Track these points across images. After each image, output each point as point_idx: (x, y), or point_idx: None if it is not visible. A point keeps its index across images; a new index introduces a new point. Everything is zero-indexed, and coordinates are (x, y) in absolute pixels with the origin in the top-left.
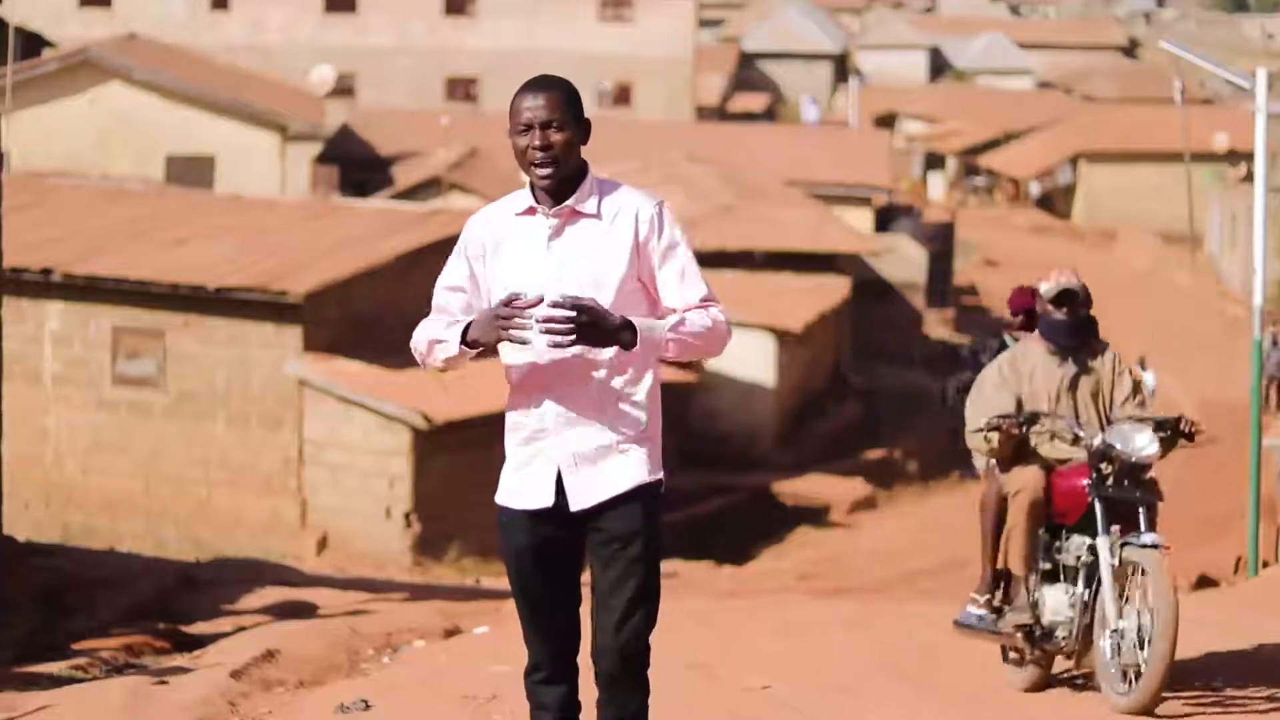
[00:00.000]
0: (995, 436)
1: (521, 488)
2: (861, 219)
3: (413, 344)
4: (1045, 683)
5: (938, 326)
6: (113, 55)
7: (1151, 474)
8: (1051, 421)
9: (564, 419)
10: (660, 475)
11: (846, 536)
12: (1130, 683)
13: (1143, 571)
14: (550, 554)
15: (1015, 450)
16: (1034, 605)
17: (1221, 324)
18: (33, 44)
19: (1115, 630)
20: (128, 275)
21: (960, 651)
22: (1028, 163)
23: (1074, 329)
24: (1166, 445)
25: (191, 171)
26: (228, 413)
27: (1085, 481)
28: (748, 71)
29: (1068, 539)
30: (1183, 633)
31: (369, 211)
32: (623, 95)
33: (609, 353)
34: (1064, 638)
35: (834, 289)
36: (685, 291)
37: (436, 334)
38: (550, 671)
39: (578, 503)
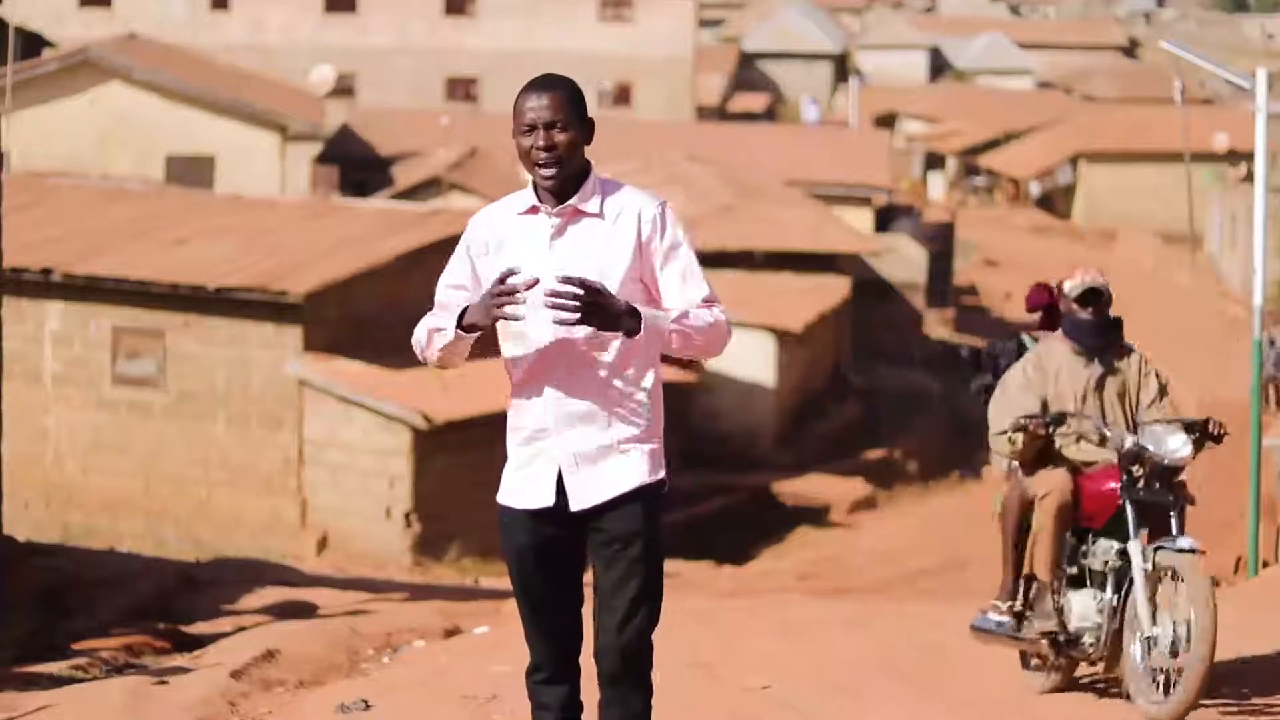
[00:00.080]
0: (1020, 438)
1: (522, 487)
2: (861, 219)
3: (414, 338)
4: (1066, 688)
5: (938, 326)
6: (113, 55)
7: (1183, 477)
8: (1078, 422)
9: (565, 418)
10: (662, 475)
11: (846, 536)
12: (1164, 690)
13: (1178, 576)
14: (551, 554)
15: (1039, 452)
16: (1059, 611)
17: (1221, 324)
18: (33, 44)
19: (1149, 637)
20: (128, 275)
21: (960, 652)
22: (1028, 163)
23: (1100, 329)
24: (1195, 447)
25: (191, 171)
26: (228, 413)
27: (1112, 484)
28: (748, 71)
29: (1094, 543)
30: None
31: (369, 211)
32: (623, 95)
33: (611, 351)
34: (1091, 644)
35: (834, 289)
36: (687, 292)
37: (435, 324)
38: (552, 672)
39: (578, 503)
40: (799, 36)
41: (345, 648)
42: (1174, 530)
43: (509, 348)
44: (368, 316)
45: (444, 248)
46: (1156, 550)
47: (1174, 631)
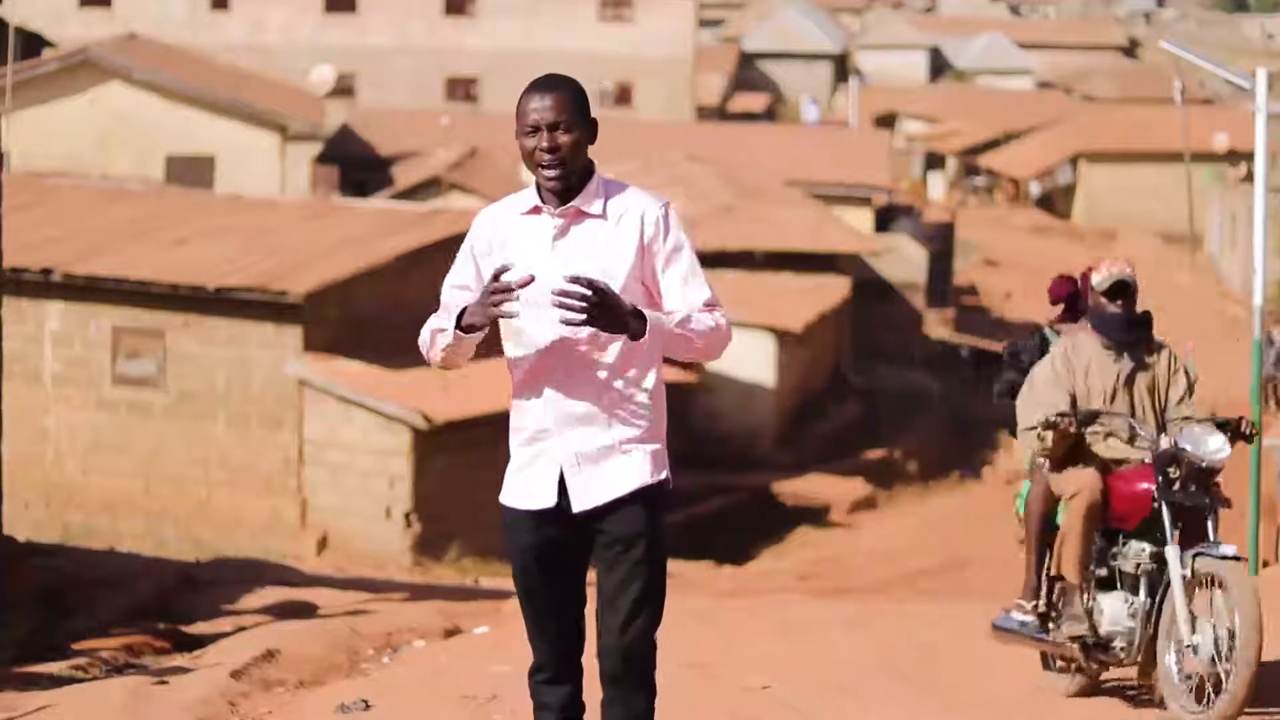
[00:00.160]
0: (1050, 436)
1: (524, 488)
2: (861, 219)
3: (420, 339)
4: (1091, 692)
5: (938, 326)
6: (113, 55)
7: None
8: (1110, 420)
9: (566, 419)
10: (664, 475)
11: (846, 536)
12: (1204, 700)
13: (1219, 583)
14: (554, 554)
15: (1068, 449)
16: (1089, 614)
17: (1221, 324)
18: (33, 44)
19: (1189, 645)
20: (128, 275)
21: (960, 652)
22: (1028, 163)
23: (1129, 323)
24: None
25: (191, 171)
26: (228, 413)
27: (1144, 485)
28: (748, 71)
29: (1124, 544)
30: None
31: (369, 211)
32: (623, 95)
33: (612, 351)
34: (1122, 648)
35: (834, 289)
36: (689, 295)
37: (438, 324)
38: (554, 672)
39: (580, 504)
40: (799, 36)
41: (345, 648)
42: (1210, 534)
43: (510, 348)
44: (368, 316)
45: (444, 248)
46: (1196, 556)
47: (1215, 639)
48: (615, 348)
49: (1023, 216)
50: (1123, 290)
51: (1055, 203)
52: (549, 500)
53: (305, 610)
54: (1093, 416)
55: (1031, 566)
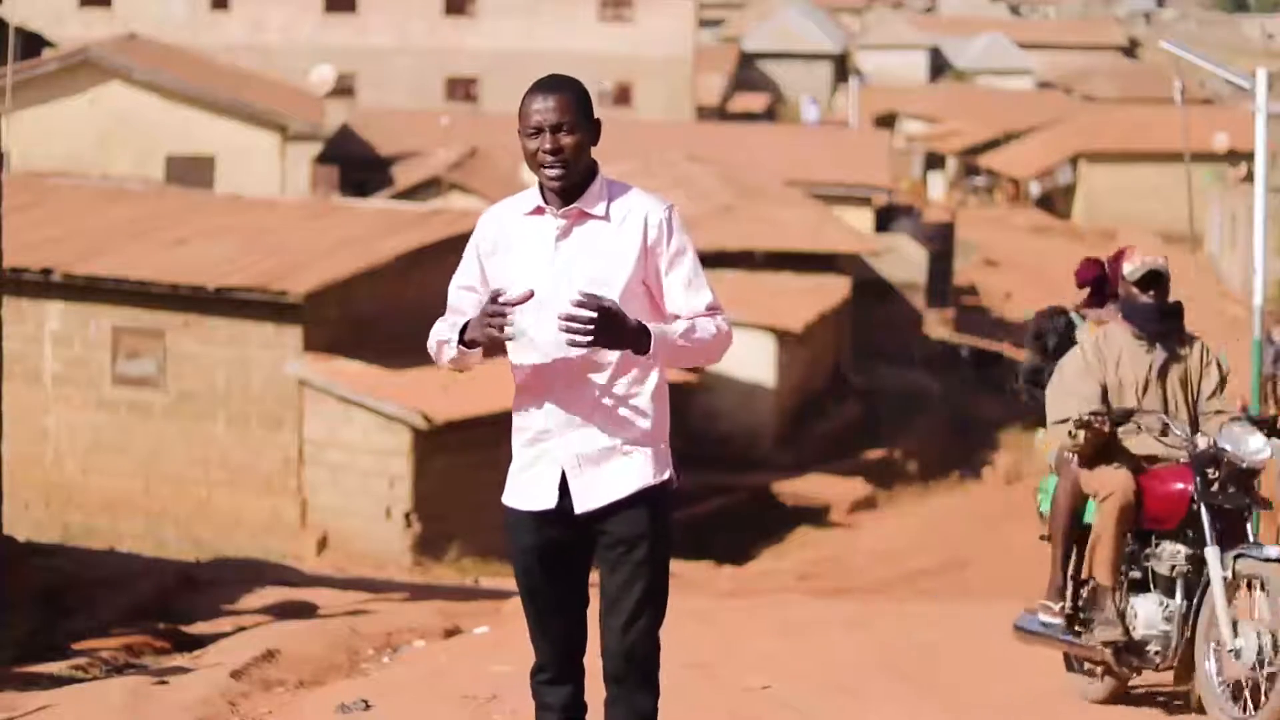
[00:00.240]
0: (1082, 434)
1: (526, 489)
2: (861, 219)
3: (428, 344)
4: (1120, 696)
5: (938, 326)
6: (113, 55)
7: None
8: (1144, 418)
9: (568, 420)
10: (667, 476)
11: (846, 536)
12: (1245, 706)
13: (1262, 586)
14: (556, 555)
15: (1098, 444)
16: (1121, 617)
17: (1221, 324)
18: (33, 44)
19: (1231, 650)
20: (128, 275)
21: (961, 652)
22: (1028, 163)
23: (1162, 313)
24: None
25: (191, 171)
26: (228, 413)
27: (1180, 485)
28: (748, 71)
29: (1157, 545)
30: None
31: (369, 211)
32: (623, 95)
33: (615, 353)
34: (1157, 653)
35: (834, 289)
36: (691, 298)
37: (443, 335)
38: (555, 672)
39: (582, 505)
40: (799, 36)
41: (345, 648)
42: (1250, 536)
43: (513, 349)
44: (368, 316)
45: (444, 248)
46: (1237, 558)
47: (1259, 643)
48: (617, 349)
49: (1023, 216)
50: (1155, 280)
51: (1055, 203)
52: (550, 501)
53: (305, 610)
54: (1127, 415)
55: (1057, 566)
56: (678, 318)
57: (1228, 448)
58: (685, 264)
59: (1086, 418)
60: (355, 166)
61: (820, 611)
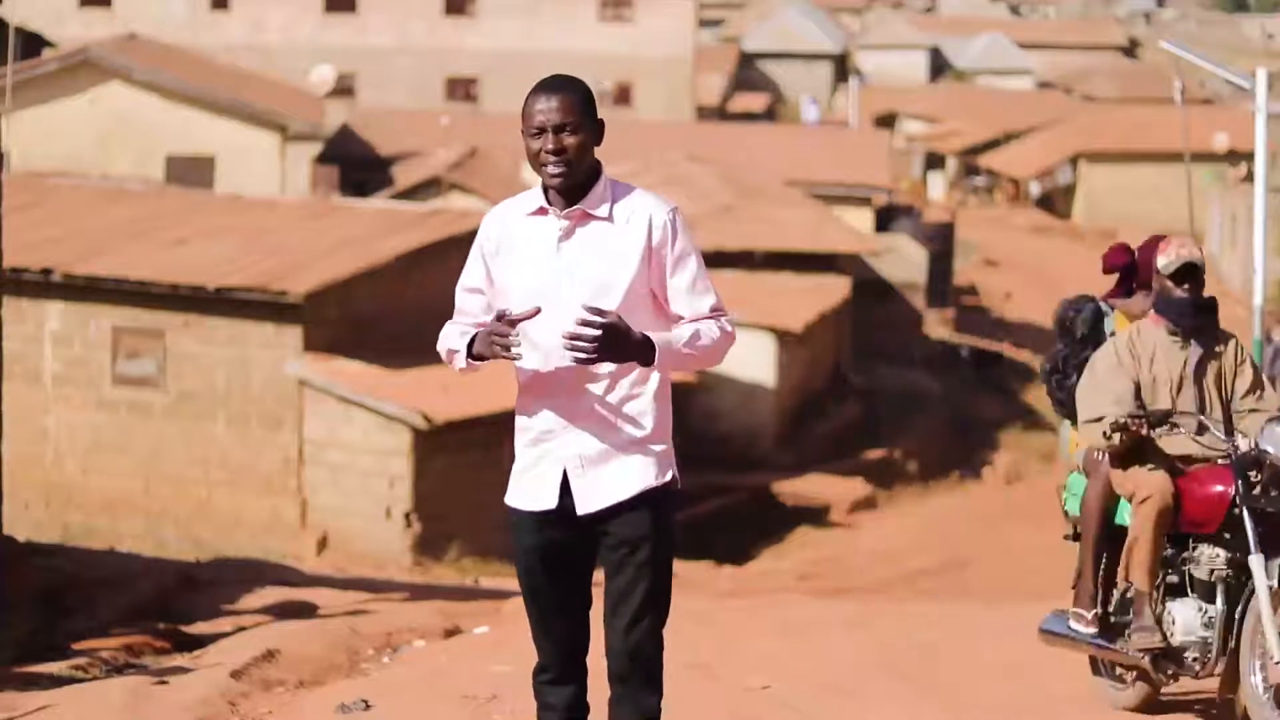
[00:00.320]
0: (1118, 436)
1: (528, 489)
2: (861, 219)
3: (438, 347)
4: (1152, 704)
5: (938, 326)
6: (113, 55)
7: None
8: (1183, 420)
9: (570, 421)
10: (670, 478)
11: (846, 536)
12: None
13: None
14: (558, 555)
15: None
16: (1158, 622)
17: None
18: (33, 44)
19: (1278, 661)
20: (128, 275)
21: (961, 653)
22: (1028, 163)
23: (1198, 307)
24: None
25: (191, 171)
26: (228, 413)
27: (1220, 488)
28: (748, 71)
29: (1195, 549)
30: None
31: (369, 211)
32: (623, 95)
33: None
34: (1195, 659)
35: (834, 289)
36: (695, 301)
37: (452, 343)
38: (558, 672)
39: (584, 506)
40: (799, 36)
41: (345, 648)
42: None
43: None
44: (368, 316)
45: (444, 248)
46: None
47: None
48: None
49: (1023, 216)
50: (1191, 273)
51: (1055, 203)
52: (551, 502)
53: (305, 610)
54: (1165, 417)
55: (1089, 570)
56: (681, 319)
57: (1270, 450)
58: (689, 267)
59: (1124, 420)
60: (355, 166)
61: (820, 611)
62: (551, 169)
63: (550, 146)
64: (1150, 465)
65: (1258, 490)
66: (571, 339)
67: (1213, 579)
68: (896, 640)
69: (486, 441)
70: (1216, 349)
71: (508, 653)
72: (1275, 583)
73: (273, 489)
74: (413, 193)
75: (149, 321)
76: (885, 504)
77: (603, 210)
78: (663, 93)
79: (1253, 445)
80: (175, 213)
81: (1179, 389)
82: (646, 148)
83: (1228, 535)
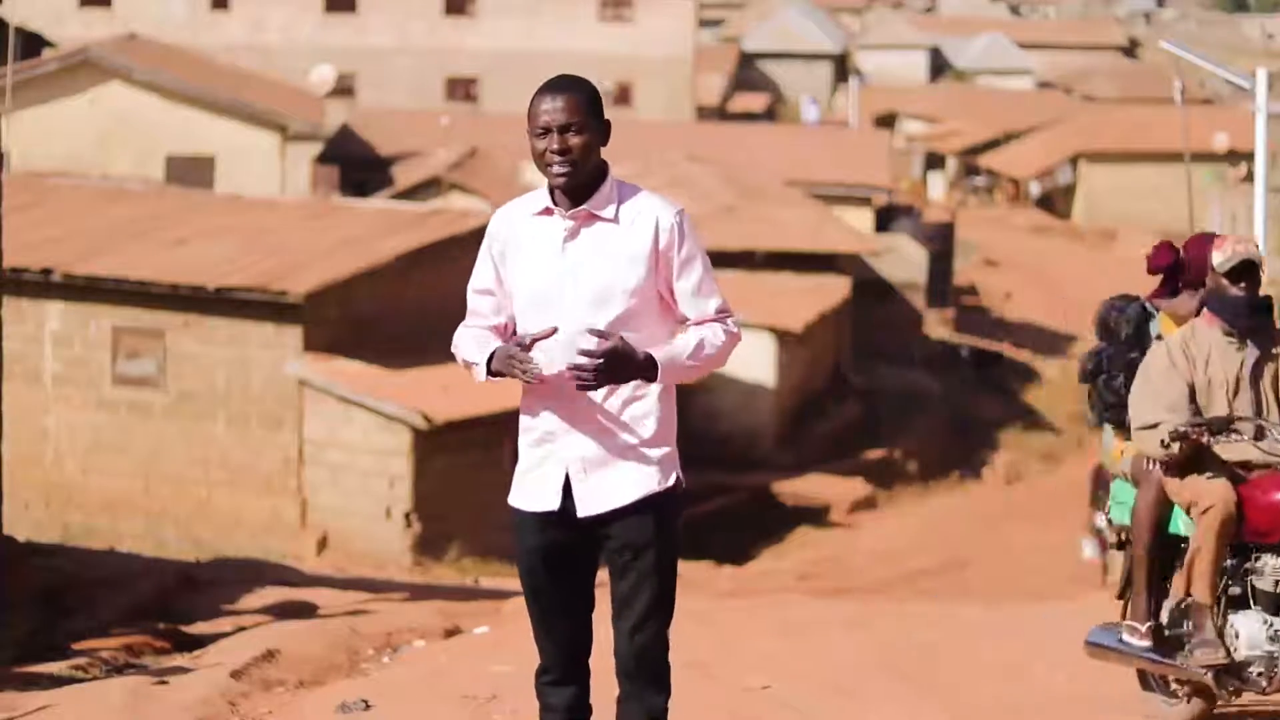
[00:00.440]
0: (1177, 445)
1: (531, 489)
2: (861, 219)
3: (454, 350)
4: (1206, 719)
5: (938, 326)
6: (113, 55)
7: None
8: (1242, 425)
9: (573, 423)
10: (674, 481)
11: (846, 536)
12: None
13: None
14: (560, 557)
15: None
16: (1220, 636)
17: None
18: (33, 44)
19: None
20: (128, 275)
21: (961, 653)
22: (1028, 163)
23: (1254, 307)
24: None
25: (191, 171)
26: (228, 413)
27: None
28: (748, 71)
29: (1258, 559)
30: None
31: (369, 211)
32: (623, 95)
33: None
34: (1260, 674)
35: (834, 289)
36: (700, 304)
37: (469, 355)
38: (559, 674)
39: (586, 509)
40: (799, 36)
41: (345, 648)
42: None
43: None
44: (368, 316)
45: (444, 248)
46: None
47: None
48: None
49: (1023, 216)
50: (1248, 271)
51: (1055, 203)
52: (553, 503)
53: (305, 610)
54: (1226, 424)
55: (1142, 582)
56: (686, 320)
57: None
58: (695, 270)
59: (1184, 429)
60: (355, 166)
61: (820, 611)
62: (556, 169)
63: (555, 146)
64: (1209, 473)
65: None
66: (573, 369)
67: (1278, 590)
68: (896, 640)
69: (486, 441)
70: (1274, 349)
71: (508, 653)
72: None
73: (273, 489)
74: (413, 193)
75: (149, 321)
76: (885, 504)
77: (608, 211)
78: (663, 93)
79: None
80: (175, 213)
81: (1236, 392)
82: (646, 148)
83: None
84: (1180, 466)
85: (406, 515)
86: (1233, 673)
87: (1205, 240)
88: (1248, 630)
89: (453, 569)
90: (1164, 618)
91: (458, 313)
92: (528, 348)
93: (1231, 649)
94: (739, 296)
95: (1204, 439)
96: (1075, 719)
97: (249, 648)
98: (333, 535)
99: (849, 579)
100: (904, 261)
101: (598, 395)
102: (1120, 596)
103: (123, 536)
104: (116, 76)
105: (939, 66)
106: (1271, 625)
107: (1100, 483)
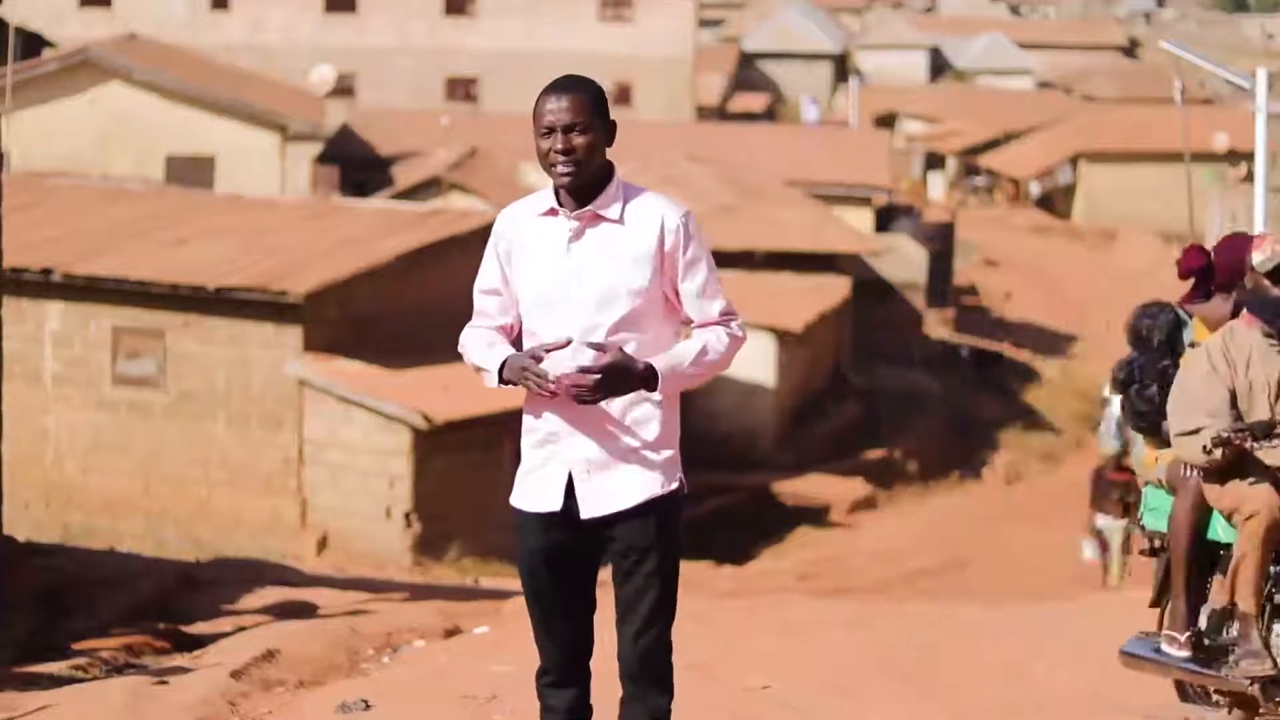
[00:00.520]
0: (1220, 451)
1: (534, 490)
2: (861, 219)
3: (460, 350)
4: None
5: (938, 326)
6: (113, 55)
7: None
8: None
9: (577, 424)
10: (676, 484)
11: (846, 536)
12: None
13: None
14: (562, 558)
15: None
16: (1266, 645)
17: None
18: (33, 44)
19: None
20: (128, 275)
21: (961, 653)
22: (1028, 163)
23: None
24: None
25: (191, 171)
26: (228, 413)
27: None
28: (748, 71)
29: None
30: None
31: (369, 211)
32: (623, 95)
33: None
34: None
35: (834, 289)
36: (705, 306)
37: (479, 359)
38: (560, 675)
39: (588, 511)
40: (799, 36)
41: (345, 648)
42: None
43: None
44: (368, 316)
45: (444, 248)
46: None
47: None
48: (628, 351)
49: (1023, 216)
50: None
51: (1055, 203)
52: (556, 504)
53: (305, 610)
54: (1270, 429)
55: (1181, 589)
56: (690, 321)
57: None
58: (700, 272)
59: (1226, 435)
60: (355, 166)
61: (820, 611)
62: (561, 169)
63: (559, 146)
64: (1251, 479)
65: None
66: (573, 385)
67: None
68: (896, 640)
69: (486, 441)
70: None
71: (508, 653)
72: None
73: (273, 489)
74: (413, 193)
75: (149, 321)
76: (885, 504)
77: (613, 212)
78: (663, 93)
79: None
80: (175, 213)
81: (1277, 395)
82: (646, 148)
83: None
84: (1221, 472)
85: (406, 515)
86: (1278, 684)
87: (1238, 241)
88: None
89: (453, 569)
90: (1202, 625)
91: (458, 312)
92: (540, 359)
93: (1278, 659)
94: (739, 296)
95: (1247, 444)
96: (1075, 719)
97: (249, 648)
98: (333, 535)
99: (849, 579)
100: (904, 261)
101: None
102: (1155, 604)
103: (123, 536)
104: (116, 76)
105: (939, 66)
106: None
107: (1100, 484)
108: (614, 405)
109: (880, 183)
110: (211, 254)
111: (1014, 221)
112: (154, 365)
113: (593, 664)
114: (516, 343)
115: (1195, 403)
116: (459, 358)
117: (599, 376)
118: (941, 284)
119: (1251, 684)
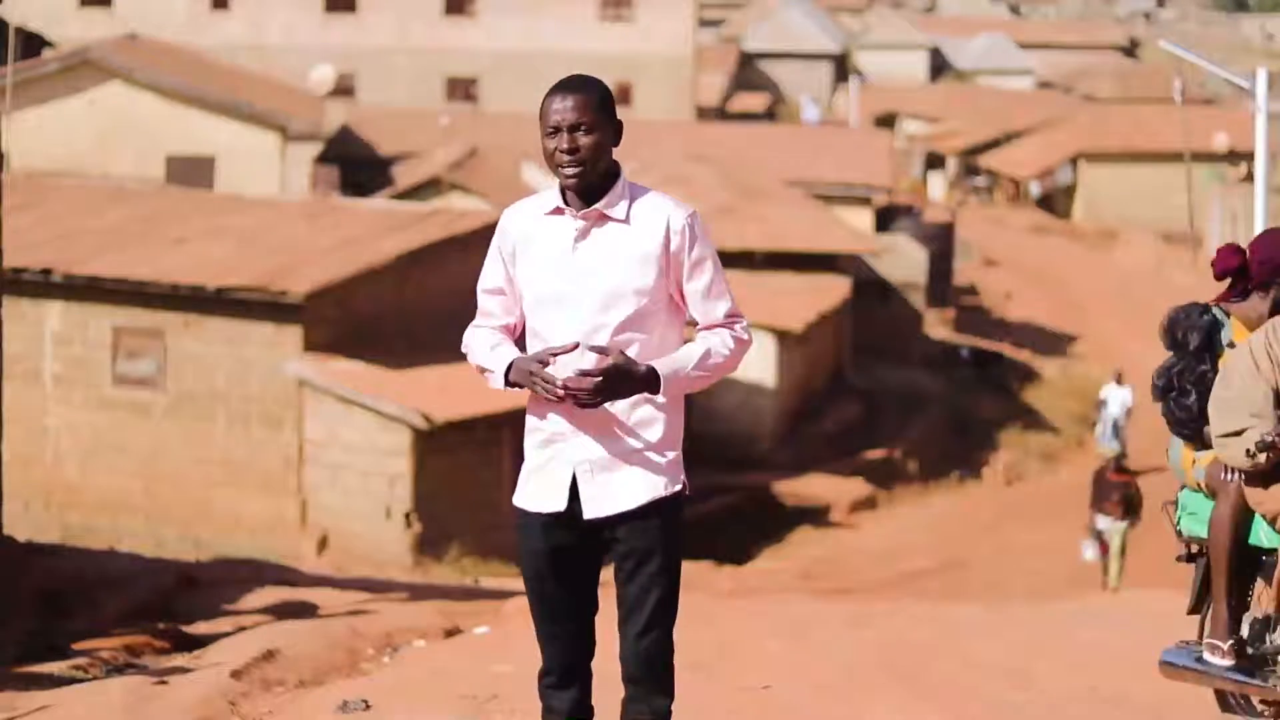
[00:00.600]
0: (1264, 456)
1: (536, 491)
2: (861, 219)
3: (464, 350)
4: None
5: (938, 326)
6: (113, 55)
7: None
8: None
9: (581, 424)
10: (679, 486)
11: (846, 536)
12: None
13: None
14: (565, 559)
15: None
16: None
17: None
18: (33, 44)
19: None
20: (128, 275)
21: (960, 653)
22: (1028, 163)
23: None
24: None
25: (191, 171)
26: (228, 413)
27: None
28: (748, 71)
29: None
30: None
31: (369, 211)
32: (623, 95)
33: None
34: None
35: (834, 289)
36: (710, 306)
37: (484, 360)
38: (561, 676)
39: (591, 511)
40: (799, 36)
41: (345, 648)
42: None
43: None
44: (368, 316)
45: (444, 248)
46: None
47: None
48: (632, 353)
49: (1023, 216)
50: None
51: (1055, 203)
52: (560, 504)
53: (305, 610)
54: None
55: (1222, 596)
56: (695, 322)
57: None
58: (705, 273)
59: (1271, 438)
60: (355, 166)
61: (820, 611)
62: (566, 169)
63: (565, 146)
64: None
65: None
66: (573, 389)
67: None
68: (896, 640)
69: (486, 441)
70: None
71: (508, 653)
72: None
73: (273, 489)
74: (413, 193)
75: (149, 321)
76: (885, 504)
77: (619, 212)
78: (663, 93)
79: None
80: (175, 213)
81: None
82: (646, 148)
83: None
84: (1264, 475)
85: (406, 515)
86: None
87: (1275, 237)
88: None
89: (453, 569)
90: (1244, 633)
91: (457, 312)
92: (547, 363)
93: None
94: (739, 296)
95: None
96: (1075, 719)
97: (249, 648)
98: (333, 535)
99: (849, 579)
100: (904, 261)
101: None
102: (1193, 611)
103: (123, 536)
104: (116, 76)
105: (939, 66)
106: None
107: (1101, 485)
108: (618, 406)
109: (880, 183)
110: (211, 254)
111: (1014, 221)
112: (154, 365)
113: (594, 665)
114: (520, 342)
115: (1238, 403)
116: (459, 357)
117: (599, 380)
118: (941, 284)
119: None
